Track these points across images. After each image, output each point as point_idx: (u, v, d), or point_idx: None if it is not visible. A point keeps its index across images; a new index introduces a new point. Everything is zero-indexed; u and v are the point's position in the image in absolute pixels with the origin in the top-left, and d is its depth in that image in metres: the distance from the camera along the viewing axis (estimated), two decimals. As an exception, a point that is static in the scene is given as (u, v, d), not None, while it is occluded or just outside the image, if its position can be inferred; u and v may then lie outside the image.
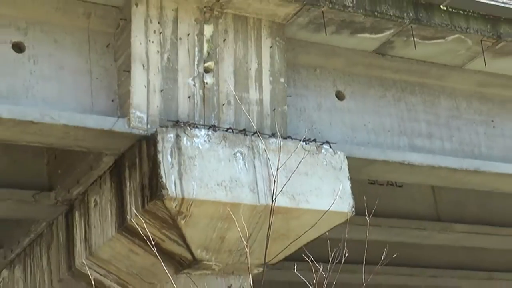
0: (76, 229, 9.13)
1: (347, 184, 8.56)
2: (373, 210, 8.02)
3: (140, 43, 8.11)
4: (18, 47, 7.86)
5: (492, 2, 9.66)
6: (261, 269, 8.36)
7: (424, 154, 9.75)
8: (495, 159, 10.21)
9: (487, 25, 9.66)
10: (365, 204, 8.22)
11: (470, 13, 9.59)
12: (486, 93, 10.50)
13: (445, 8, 9.34)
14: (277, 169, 7.20)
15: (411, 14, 9.15)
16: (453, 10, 9.45)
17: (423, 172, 9.98)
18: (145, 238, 7.22)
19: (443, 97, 10.27)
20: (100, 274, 8.83)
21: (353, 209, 8.52)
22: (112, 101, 8.20)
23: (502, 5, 9.75)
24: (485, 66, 9.92)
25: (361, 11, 8.87)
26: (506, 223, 12.46)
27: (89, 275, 8.12)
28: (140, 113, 7.98)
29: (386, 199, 10.61)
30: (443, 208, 11.97)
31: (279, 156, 7.51)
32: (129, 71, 8.02)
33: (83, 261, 8.83)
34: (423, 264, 13.49)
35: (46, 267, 9.76)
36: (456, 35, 9.50)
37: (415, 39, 9.38)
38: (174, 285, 7.32)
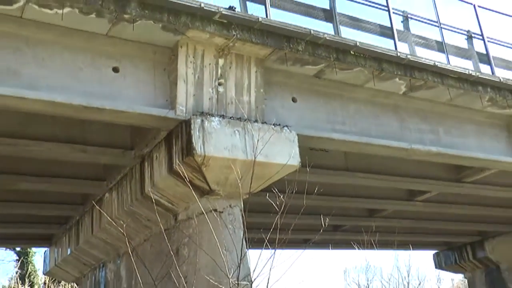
0: (145, 171, 9.59)
1: (296, 150, 9.07)
2: (311, 164, 8.91)
3: (182, 68, 8.65)
4: (116, 70, 8.42)
5: (378, 50, 10.09)
6: (247, 196, 8.85)
7: (340, 134, 10.19)
8: (376, 137, 10.73)
9: (375, 63, 10.09)
10: (306, 161, 9.00)
11: (366, 56, 9.98)
12: (374, 101, 10.87)
13: (353, 53, 9.77)
14: (258, 140, 8.00)
15: (334, 56, 9.59)
16: (358, 53, 9.83)
17: (339, 144, 10.42)
18: (183, 177, 7.92)
19: (352, 102, 10.64)
20: (158, 196, 9.17)
21: (299, 163, 9.00)
22: (166, 100, 8.70)
23: (383, 51, 10.15)
24: (374, 85, 10.40)
25: (306, 53, 9.35)
26: (383, 171, 12.92)
27: (152, 197, 8.85)
28: (182, 107, 8.58)
29: (319, 159, 10.83)
30: (350, 163, 12.29)
31: (258, 133, 8.31)
32: (176, 84, 8.62)
33: (149, 189, 9.36)
34: (336, 193, 13.81)
35: (129, 192, 10.20)
36: (359, 68, 9.94)
37: (336, 69, 9.81)
38: (199, 203, 8.04)
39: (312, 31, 9.35)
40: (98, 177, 11.49)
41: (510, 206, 17.41)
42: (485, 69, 12.41)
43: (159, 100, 8.70)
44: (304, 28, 9.35)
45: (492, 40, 12.94)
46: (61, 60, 8.08)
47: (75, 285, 18.71)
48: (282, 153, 8.84)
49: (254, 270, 7.41)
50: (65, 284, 23.20)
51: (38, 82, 7.79)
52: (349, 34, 10.42)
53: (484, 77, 11.82)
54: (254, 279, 7.37)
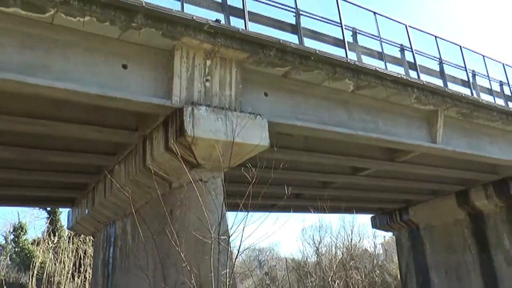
0: (147, 148, 9.39)
1: (267, 133, 8.93)
2: (278, 145, 8.81)
3: (177, 67, 8.44)
4: (125, 67, 8.20)
5: (333, 57, 10.00)
6: (227, 169, 8.83)
7: (301, 122, 10.07)
8: (330, 125, 10.61)
9: (331, 67, 9.96)
10: (275, 143, 8.93)
11: (323, 61, 9.85)
12: (329, 96, 10.71)
13: (313, 58, 9.62)
14: (236, 125, 7.86)
15: (298, 60, 9.45)
16: (317, 59, 9.70)
17: (300, 129, 10.32)
18: (177, 153, 7.86)
19: (312, 97, 10.46)
20: (156, 168, 9.06)
21: (269, 144, 8.91)
22: (164, 92, 8.46)
23: (337, 58, 10.08)
24: (329, 84, 10.31)
25: (276, 58, 9.20)
26: (334, 151, 12.80)
27: (151, 169, 8.79)
28: (177, 98, 8.36)
29: (284, 141, 10.57)
30: (309, 145, 12.14)
31: (237, 120, 8.18)
32: (172, 79, 8.40)
33: (150, 162, 9.22)
34: (297, 168, 13.59)
35: (134, 165, 10.03)
36: (318, 70, 9.80)
37: (300, 71, 9.72)
38: (189, 174, 7.93)
39: (281, 41, 9.22)
40: (110, 152, 11.24)
41: (429, 181, 17.52)
42: (413, 74, 12.34)
43: (159, 91, 8.48)
44: (275, 38, 9.20)
45: (418, 52, 12.91)
46: (82, 58, 7.89)
47: (91, 237, 18.87)
48: (255, 136, 8.72)
49: (231, 228, 7.54)
50: (84, 237, 23.00)
51: (64, 75, 7.63)
52: (310, 43, 10.28)
53: (412, 80, 11.80)
54: (231, 235, 7.43)
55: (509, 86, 15.93)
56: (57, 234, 26.56)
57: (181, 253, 7.21)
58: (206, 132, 8.27)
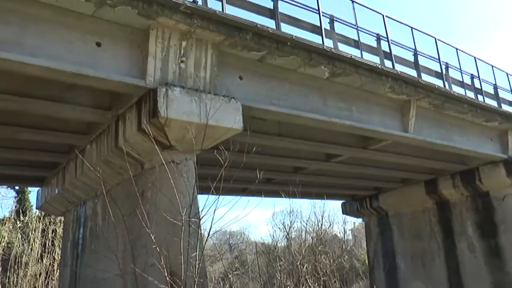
0: (119, 129, 9.27)
1: (240, 117, 8.91)
2: (251, 129, 8.80)
3: (152, 47, 8.32)
4: (98, 44, 8.03)
5: (309, 43, 10.02)
6: (199, 151, 8.77)
7: (276, 107, 10.04)
8: (304, 111, 10.63)
9: (306, 53, 9.98)
10: (248, 126, 8.91)
11: (300, 47, 9.85)
12: (304, 82, 10.70)
13: (289, 44, 9.60)
14: (210, 108, 7.82)
15: (274, 45, 9.42)
16: (293, 45, 9.71)
17: (274, 114, 10.33)
18: (149, 134, 7.78)
19: (287, 82, 10.45)
20: (128, 149, 8.95)
21: (242, 128, 8.88)
22: (138, 71, 8.33)
23: (313, 45, 10.11)
24: (304, 70, 10.31)
25: (253, 42, 9.15)
26: (307, 137, 12.86)
27: (124, 149, 8.69)
28: (151, 78, 8.26)
29: (258, 125, 10.53)
30: (282, 130, 12.14)
31: (211, 102, 8.14)
32: (147, 59, 8.28)
33: (122, 143, 9.10)
34: (269, 153, 13.57)
35: (106, 145, 9.89)
36: (293, 56, 9.80)
37: (276, 56, 9.68)
38: (161, 156, 7.77)
39: (258, 25, 9.13)
40: (82, 131, 11.02)
41: (399, 169, 17.74)
42: (388, 64, 12.42)
43: (133, 71, 8.33)
44: (252, 22, 9.12)
45: (394, 42, 13.01)
46: (57, 35, 7.70)
47: (61, 218, 18.55)
48: (229, 119, 8.68)
49: (202, 210, 7.50)
50: (54, 217, 22.66)
51: (38, 51, 7.44)
52: (288, 29, 10.20)
53: (387, 69, 11.89)
54: (202, 217, 7.40)
55: (479, 79, 16.25)
56: (25, 214, 26.06)
57: (151, 235, 7.14)
58: (180, 113, 8.18)
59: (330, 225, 33.23)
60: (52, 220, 23.41)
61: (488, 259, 17.57)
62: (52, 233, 23.09)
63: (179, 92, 8.29)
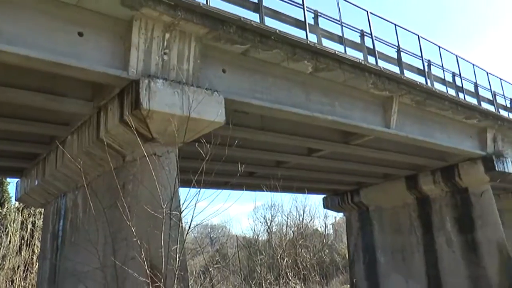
0: (101, 120, 9.18)
1: (223, 110, 8.87)
2: (234, 123, 8.78)
3: (135, 38, 8.22)
4: (81, 34, 7.91)
5: (293, 38, 10.00)
6: (181, 144, 8.76)
7: (258, 100, 10.06)
8: (287, 105, 10.64)
9: (290, 47, 9.98)
10: (230, 120, 8.88)
11: (283, 41, 9.85)
12: (287, 77, 10.73)
13: (273, 38, 9.61)
14: (192, 100, 7.78)
15: (258, 39, 9.42)
16: (277, 39, 9.71)
17: (257, 108, 10.29)
18: (131, 126, 7.72)
19: (270, 76, 10.46)
20: (110, 141, 8.87)
21: (225, 121, 8.86)
22: (121, 62, 8.24)
23: (297, 39, 10.09)
24: (288, 64, 10.32)
25: (236, 35, 9.12)
26: (290, 132, 12.91)
27: (105, 141, 8.59)
28: (133, 69, 8.17)
29: (240, 119, 10.61)
30: (265, 124, 12.14)
31: (193, 95, 8.10)
32: (129, 50, 8.18)
33: (103, 134, 9.01)
34: (251, 147, 13.61)
35: (87, 136, 9.78)
36: (277, 50, 9.79)
37: (259, 50, 9.65)
38: (143, 148, 7.73)
39: (242, 18, 9.12)
40: (63, 122, 10.84)
41: (381, 164, 17.89)
42: (371, 60, 12.49)
43: (116, 62, 8.24)
44: (236, 15, 9.10)
45: (378, 39, 13.07)
46: (38, 23, 7.54)
47: (41, 210, 18.26)
48: (211, 112, 8.64)
49: (183, 204, 7.43)
50: (33, 209, 22.35)
51: (17, 39, 7.27)
52: (271, 23, 10.19)
53: (370, 66, 11.96)
54: (183, 210, 7.34)
55: (460, 77, 16.47)
56: (3, 205, 25.65)
57: (132, 228, 7.08)
58: (162, 106, 8.13)
59: (311, 219, 33.51)
60: (31, 212, 23.10)
61: (465, 254, 17.90)
62: (32, 225, 22.77)
63: (162, 84, 8.24)
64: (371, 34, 12.84)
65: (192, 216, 7.00)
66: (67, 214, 12.24)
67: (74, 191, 11.86)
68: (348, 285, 24.51)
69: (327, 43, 11.45)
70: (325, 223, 37.38)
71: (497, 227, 17.70)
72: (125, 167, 9.21)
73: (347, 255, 25.03)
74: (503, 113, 18.47)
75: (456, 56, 16.52)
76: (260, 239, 29.37)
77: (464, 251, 17.95)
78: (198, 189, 7.01)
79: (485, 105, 17.34)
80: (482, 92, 17.62)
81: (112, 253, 8.22)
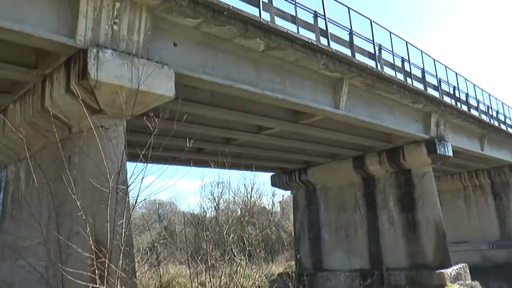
0: (46, 89, 8.88)
1: (173, 84, 8.81)
2: (183, 97, 8.64)
3: (84, 5, 7.98)
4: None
5: (246, 15, 9.96)
6: (129, 117, 8.71)
7: (209, 76, 10.06)
8: (237, 82, 10.72)
9: (243, 24, 9.91)
10: (180, 94, 8.79)
11: (236, 17, 9.78)
12: (239, 53, 10.71)
13: (226, 13, 9.48)
14: (142, 73, 7.68)
15: (211, 14, 9.29)
16: (229, 15, 9.58)
17: (207, 83, 10.34)
18: (78, 96, 7.53)
19: (221, 52, 10.42)
20: (55, 111, 8.68)
21: (174, 95, 8.80)
22: (68, 30, 7.99)
23: (250, 16, 10.10)
24: (240, 41, 10.22)
25: (189, 8, 8.98)
26: (239, 108, 12.97)
27: (50, 111, 8.38)
28: (81, 38, 7.94)
29: (190, 94, 10.55)
30: (214, 99, 12.12)
31: (143, 67, 8.00)
32: (77, 18, 7.94)
33: (49, 104, 8.74)
34: (201, 122, 13.57)
35: (31, 105, 9.46)
36: (229, 26, 9.68)
37: (211, 24, 9.50)
38: (90, 120, 7.51)
39: (195, -9, 8.97)
40: (5, 90, 10.40)
41: (329, 144, 18.26)
42: (323, 41, 12.61)
43: (62, 29, 7.94)
44: (189, -12, 8.93)
45: (331, 21, 13.15)
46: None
47: None
48: (161, 85, 8.55)
49: (130, 178, 7.27)
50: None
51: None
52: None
53: (322, 46, 12.10)
54: (130, 185, 7.23)
55: (409, 63, 16.95)
56: None
57: (77, 201, 6.86)
58: (111, 77, 7.97)
59: (259, 197, 33.93)
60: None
61: (406, 232, 18.84)
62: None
63: (111, 55, 8.05)
64: (324, 15, 12.93)
65: (139, 190, 6.91)
66: (8, 186, 11.83)
67: (16, 163, 11.47)
68: (293, 262, 25.08)
69: (280, 22, 11.44)
70: (272, 201, 37.84)
71: (436, 207, 18.71)
72: (71, 139, 9.00)
73: (293, 233, 25.55)
74: (447, 99, 19.23)
75: (406, 42, 16.98)
76: (207, 216, 29.49)
77: (405, 229, 18.87)
78: (146, 164, 6.90)
79: (430, 91, 17.98)
80: (428, 79, 18.24)
81: (56, 228, 8.06)
